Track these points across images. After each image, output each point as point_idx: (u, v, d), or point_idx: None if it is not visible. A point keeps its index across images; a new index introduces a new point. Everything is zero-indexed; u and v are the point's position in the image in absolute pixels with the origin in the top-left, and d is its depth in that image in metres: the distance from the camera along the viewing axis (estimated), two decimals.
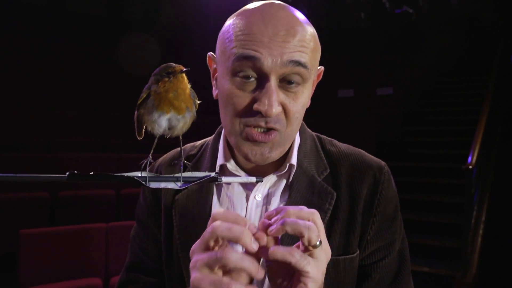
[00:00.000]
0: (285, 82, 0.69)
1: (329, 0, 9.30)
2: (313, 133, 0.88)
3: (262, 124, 0.68)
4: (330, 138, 0.89)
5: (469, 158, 3.80)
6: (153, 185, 0.54)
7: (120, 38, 7.45)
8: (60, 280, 2.76)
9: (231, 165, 0.80)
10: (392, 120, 6.56)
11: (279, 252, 0.55)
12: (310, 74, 0.71)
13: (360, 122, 6.52)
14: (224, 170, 0.81)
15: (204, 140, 0.91)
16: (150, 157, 0.57)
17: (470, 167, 3.69)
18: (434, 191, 5.07)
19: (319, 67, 0.79)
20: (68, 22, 7.75)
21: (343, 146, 0.86)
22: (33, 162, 4.52)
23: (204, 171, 0.81)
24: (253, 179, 0.62)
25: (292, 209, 0.57)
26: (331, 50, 8.72)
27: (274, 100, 0.66)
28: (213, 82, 0.78)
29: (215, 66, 0.78)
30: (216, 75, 0.77)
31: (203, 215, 0.79)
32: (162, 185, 0.55)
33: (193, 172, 0.57)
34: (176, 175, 0.55)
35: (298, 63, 0.67)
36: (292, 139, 0.76)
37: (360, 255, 0.78)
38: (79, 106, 6.28)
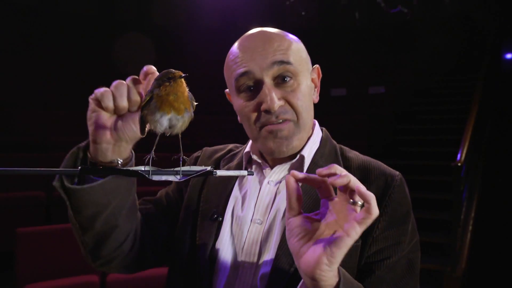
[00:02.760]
0: (280, 80, 0.84)
1: (323, 0, 9.37)
2: (337, 144, 0.99)
3: (273, 119, 0.83)
4: (351, 149, 0.99)
5: (458, 156, 3.88)
6: (155, 178, 0.60)
7: (114, 39, 7.46)
8: (57, 277, 2.79)
9: (255, 156, 0.95)
10: (384, 118, 6.65)
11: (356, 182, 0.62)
12: (297, 68, 0.85)
13: (353, 121, 6.60)
14: (250, 157, 0.97)
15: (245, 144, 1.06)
16: (153, 153, 0.64)
17: (459, 164, 3.77)
18: (425, 188, 5.16)
19: (314, 66, 0.94)
20: (63, 23, 7.76)
21: (362, 156, 0.96)
22: (28, 161, 4.54)
23: (236, 161, 0.99)
24: (245, 172, 0.70)
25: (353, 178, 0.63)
26: (324, 50, 8.81)
27: (272, 95, 0.81)
28: (235, 108, 0.93)
29: (231, 98, 0.94)
30: (233, 103, 0.92)
31: (224, 191, 0.94)
32: (163, 178, 0.61)
33: (191, 167, 0.64)
34: (176, 169, 0.62)
35: (282, 62, 0.83)
36: (306, 128, 0.90)
37: (366, 253, 0.83)
38: (74, 106, 6.29)
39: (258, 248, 0.85)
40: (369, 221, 0.61)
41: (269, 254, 0.83)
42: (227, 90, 0.95)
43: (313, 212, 0.70)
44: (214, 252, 0.87)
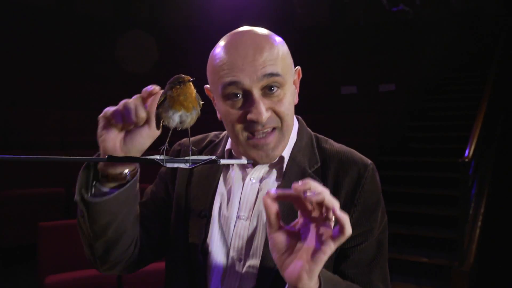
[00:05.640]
0: (267, 90, 0.85)
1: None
2: (312, 132, 1.02)
3: (259, 128, 0.85)
4: (327, 138, 1.02)
5: (466, 152, 3.90)
6: (169, 165, 0.72)
7: (129, 39, 7.63)
8: (77, 269, 2.91)
9: (234, 152, 0.98)
10: (394, 116, 6.68)
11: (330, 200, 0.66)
12: (285, 78, 0.87)
13: (363, 118, 6.64)
14: (231, 154, 1.00)
15: (225, 132, 1.08)
16: (166, 144, 0.76)
17: (467, 160, 3.79)
18: (435, 184, 5.19)
19: (296, 68, 0.95)
20: (79, 24, 7.96)
21: (337, 145, 0.99)
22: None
23: (219, 153, 1.02)
24: (244, 161, 0.80)
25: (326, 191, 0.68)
26: (334, 48, 8.85)
27: (261, 108, 0.83)
28: (216, 108, 0.95)
29: (212, 95, 0.95)
30: (215, 102, 0.94)
31: (210, 188, 0.98)
32: (176, 165, 0.73)
33: (198, 156, 0.75)
34: (186, 157, 0.74)
35: (271, 74, 0.84)
36: (289, 132, 0.92)
37: None
38: (90, 106, 6.47)
39: (245, 242, 0.92)
40: (343, 240, 0.67)
41: (256, 248, 0.90)
42: (208, 86, 0.95)
43: (291, 224, 0.74)
44: (206, 247, 0.93)
